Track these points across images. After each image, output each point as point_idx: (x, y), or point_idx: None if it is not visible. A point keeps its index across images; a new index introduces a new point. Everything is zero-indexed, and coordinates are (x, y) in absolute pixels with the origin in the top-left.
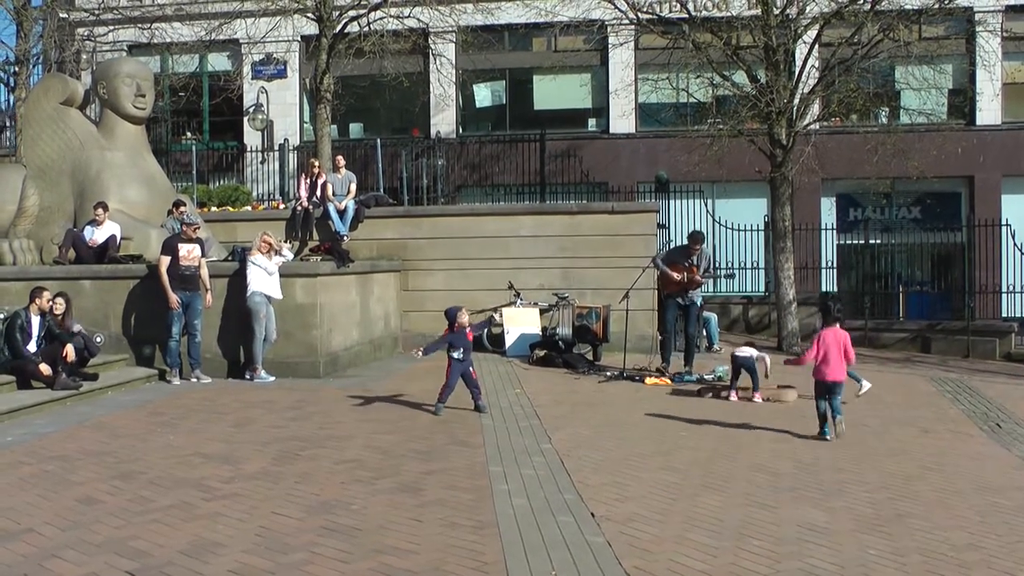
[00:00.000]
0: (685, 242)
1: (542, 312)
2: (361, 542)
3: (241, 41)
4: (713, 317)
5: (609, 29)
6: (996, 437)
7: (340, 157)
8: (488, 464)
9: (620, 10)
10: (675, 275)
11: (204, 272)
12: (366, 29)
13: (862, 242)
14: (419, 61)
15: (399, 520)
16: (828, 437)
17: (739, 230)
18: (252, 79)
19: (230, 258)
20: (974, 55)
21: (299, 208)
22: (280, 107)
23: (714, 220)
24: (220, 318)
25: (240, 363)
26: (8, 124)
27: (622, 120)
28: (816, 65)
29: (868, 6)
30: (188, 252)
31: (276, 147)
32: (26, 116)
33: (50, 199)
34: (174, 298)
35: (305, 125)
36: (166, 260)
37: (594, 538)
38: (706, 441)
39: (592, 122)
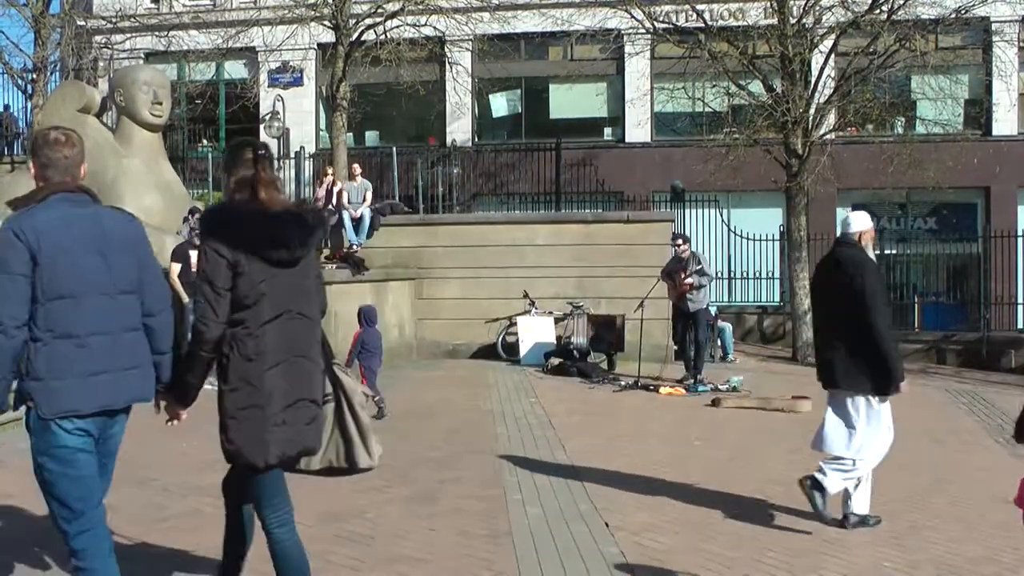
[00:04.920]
0: None
1: (557, 321)
2: (374, 550)
3: (258, 49)
4: (728, 327)
5: (625, 38)
6: (1011, 449)
7: (356, 165)
8: (502, 473)
9: (636, 19)
10: (668, 284)
11: None
12: (382, 37)
13: (877, 252)
14: (435, 69)
15: (413, 529)
16: None
17: (754, 240)
18: (268, 87)
19: None
20: (990, 65)
21: None
22: (296, 115)
23: (729, 230)
24: None
25: None
26: (25, 131)
27: (638, 129)
28: (832, 75)
29: (884, 16)
30: None
31: (292, 155)
32: (43, 123)
33: None
34: (183, 294)
35: (321, 133)
36: (176, 267)
37: (608, 548)
38: (721, 451)
39: (608, 131)
